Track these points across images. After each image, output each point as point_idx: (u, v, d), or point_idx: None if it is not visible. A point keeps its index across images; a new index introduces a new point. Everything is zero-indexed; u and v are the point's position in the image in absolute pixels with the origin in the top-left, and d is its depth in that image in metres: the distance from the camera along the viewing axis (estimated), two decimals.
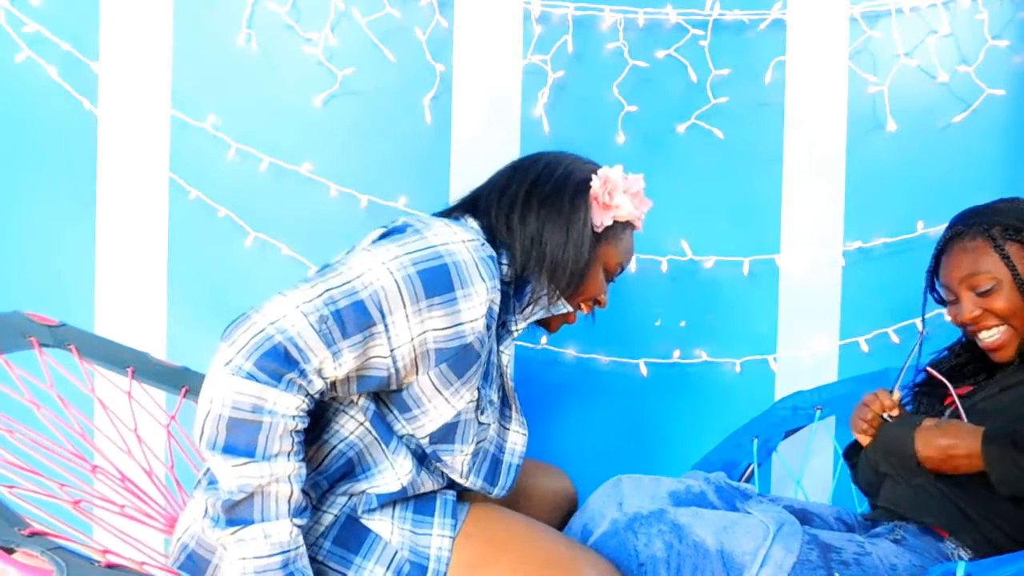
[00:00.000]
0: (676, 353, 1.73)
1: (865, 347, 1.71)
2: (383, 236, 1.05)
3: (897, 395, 1.24)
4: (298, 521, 0.90)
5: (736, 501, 1.26)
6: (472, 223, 1.10)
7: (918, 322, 1.70)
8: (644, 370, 1.72)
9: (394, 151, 1.71)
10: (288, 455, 0.88)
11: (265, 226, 1.68)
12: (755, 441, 1.55)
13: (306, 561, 0.91)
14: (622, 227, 1.14)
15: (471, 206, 1.14)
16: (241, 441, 0.86)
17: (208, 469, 1.01)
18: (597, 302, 1.18)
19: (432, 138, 1.69)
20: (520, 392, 1.19)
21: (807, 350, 1.72)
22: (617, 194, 1.11)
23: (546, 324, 1.20)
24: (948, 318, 1.29)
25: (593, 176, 1.11)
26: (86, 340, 1.27)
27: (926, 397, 1.33)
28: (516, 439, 1.15)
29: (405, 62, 1.68)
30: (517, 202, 1.10)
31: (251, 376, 0.86)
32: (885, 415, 1.23)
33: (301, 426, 0.90)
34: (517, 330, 1.13)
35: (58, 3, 1.64)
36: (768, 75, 1.70)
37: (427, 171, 1.70)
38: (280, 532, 0.88)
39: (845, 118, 1.72)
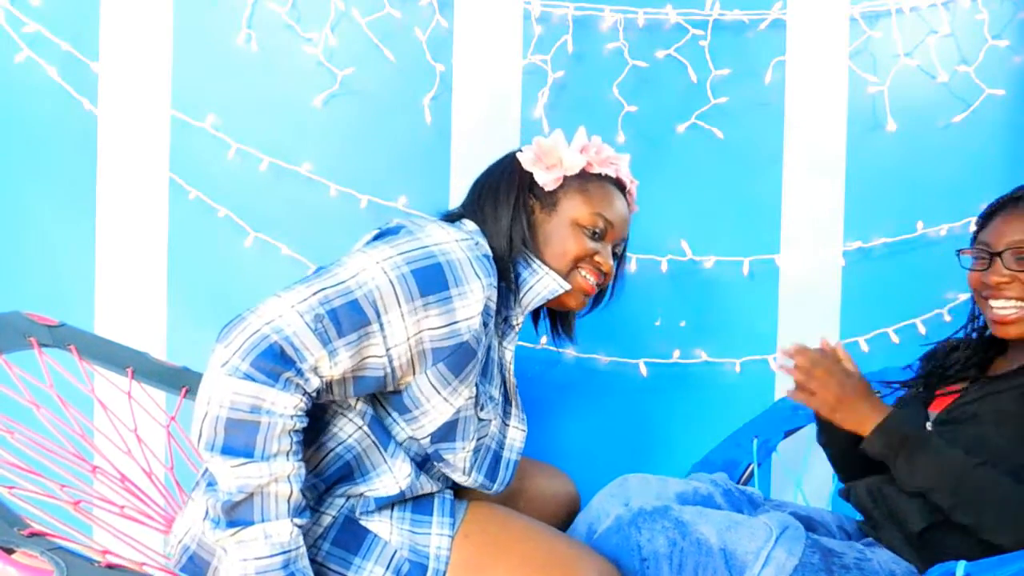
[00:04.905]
0: (676, 353, 1.73)
1: (865, 347, 1.70)
2: (377, 237, 1.06)
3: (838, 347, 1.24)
4: (298, 521, 0.90)
5: (744, 508, 1.26)
6: (470, 225, 1.12)
7: (918, 322, 1.72)
8: (644, 370, 1.72)
9: (394, 151, 1.71)
10: (287, 455, 0.88)
11: (265, 226, 1.68)
12: (755, 441, 1.55)
13: (306, 561, 0.91)
14: (584, 179, 1.14)
15: (459, 214, 1.18)
16: (239, 442, 0.86)
17: (207, 470, 1.01)
18: (595, 265, 1.14)
19: (432, 138, 1.69)
20: (521, 392, 1.19)
21: None
22: (553, 155, 1.13)
23: (563, 317, 1.22)
24: (969, 284, 1.21)
25: (523, 148, 1.17)
26: (86, 340, 1.27)
27: (915, 397, 1.30)
28: (515, 435, 1.15)
29: (405, 62, 1.68)
30: (477, 197, 1.15)
31: (248, 376, 0.86)
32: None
33: (299, 425, 0.90)
34: (518, 323, 1.13)
35: (58, 3, 1.64)
36: (768, 75, 1.71)
37: (427, 171, 1.70)
38: (281, 532, 0.89)
39: (845, 118, 1.72)
